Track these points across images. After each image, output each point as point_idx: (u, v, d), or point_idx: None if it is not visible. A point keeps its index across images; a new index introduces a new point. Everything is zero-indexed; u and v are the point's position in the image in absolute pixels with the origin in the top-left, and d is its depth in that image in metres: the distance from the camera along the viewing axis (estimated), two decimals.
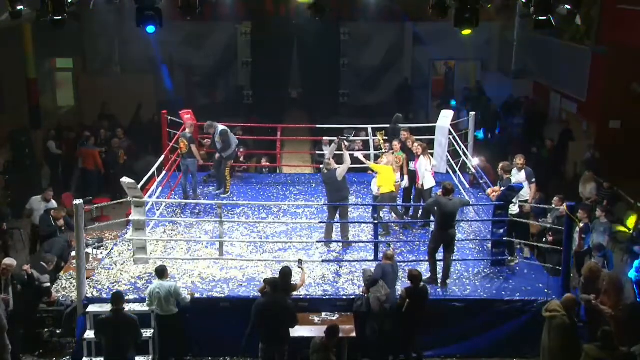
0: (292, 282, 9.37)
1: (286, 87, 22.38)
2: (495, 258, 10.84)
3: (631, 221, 13.54)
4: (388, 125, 13.72)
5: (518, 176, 11.51)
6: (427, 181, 12.02)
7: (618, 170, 14.77)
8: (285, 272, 9.24)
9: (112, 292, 9.22)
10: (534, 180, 11.65)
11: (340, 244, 11.54)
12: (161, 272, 9.42)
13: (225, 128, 13.46)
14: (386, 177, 11.73)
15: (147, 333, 9.56)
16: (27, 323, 10.21)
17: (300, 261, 9.92)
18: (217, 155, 13.53)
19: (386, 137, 13.07)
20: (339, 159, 12.02)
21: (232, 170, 14.14)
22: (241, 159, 15.39)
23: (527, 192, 11.42)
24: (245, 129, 15.98)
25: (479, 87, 22.13)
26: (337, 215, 11.42)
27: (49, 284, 10.49)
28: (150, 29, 10.75)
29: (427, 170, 12.04)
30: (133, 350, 8.94)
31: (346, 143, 11.90)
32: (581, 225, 11.24)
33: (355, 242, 11.63)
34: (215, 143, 13.49)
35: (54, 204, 12.58)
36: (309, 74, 21.99)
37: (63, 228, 11.92)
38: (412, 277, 9.36)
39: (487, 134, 20.15)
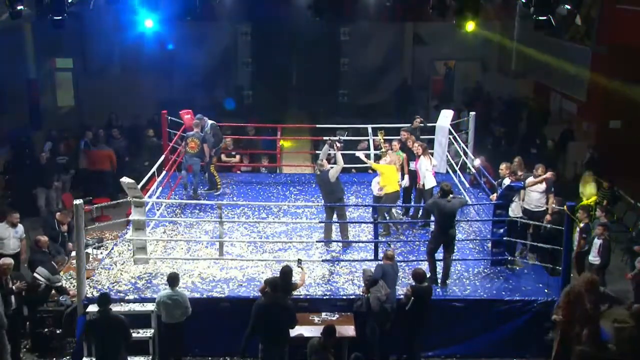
0: (292, 282, 9.37)
1: (286, 87, 22.38)
2: (495, 258, 10.83)
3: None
4: (388, 125, 13.75)
5: (538, 187, 11.39)
6: (428, 181, 12.01)
7: (618, 170, 14.78)
8: (286, 271, 9.24)
9: (99, 293, 9.11)
10: (553, 190, 11.56)
11: (340, 244, 11.54)
12: (174, 280, 9.29)
13: (214, 122, 13.50)
14: (389, 177, 11.70)
15: (147, 333, 9.56)
16: (29, 323, 10.24)
17: (299, 261, 9.93)
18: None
19: (388, 137, 13.06)
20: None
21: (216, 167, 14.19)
22: (234, 156, 15.45)
23: (543, 202, 11.29)
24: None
25: (478, 87, 22.14)
26: (335, 216, 11.41)
27: (61, 283, 10.48)
28: (148, 23, 10.77)
29: (427, 170, 12.03)
30: (124, 352, 8.82)
31: (338, 144, 11.85)
32: (581, 225, 11.26)
33: (355, 242, 11.63)
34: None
35: (21, 228, 11.44)
36: (309, 74, 21.99)
37: (66, 234, 11.88)
38: (417, 276, 9.37)
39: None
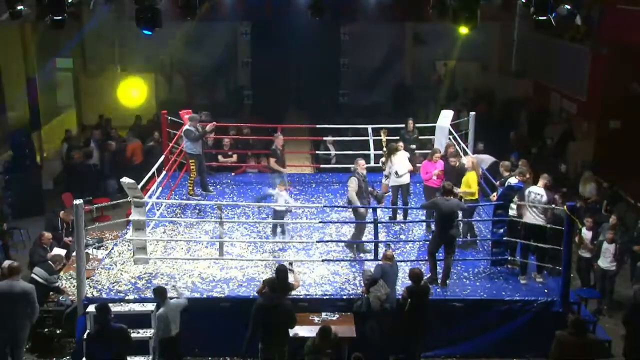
0: (288, 282, 9.40)
1: (286, 87, 22.37)
2: (496, 258, 10.84)
3: None
4: (388, 125, 13.78)
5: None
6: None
7: (618, 170, 14.76)
8: (281, 270, 9.32)
9: (97, 305, 8.87)
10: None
11: (341, 244, 11.54)
12: (162, 294, 9.15)
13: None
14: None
15: (147, 333, 9.56)
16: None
17: (290, 263, 10.01)
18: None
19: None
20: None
21: None
22: (231, 156, 15.46)
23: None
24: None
25: (478, 87, 22.14)
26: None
27: (57, 284, 10.51)
28: (147, 32, 10.74)
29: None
30: None
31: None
32: (590, 233, 11.26)
33: (355, 242, 11.62)
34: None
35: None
36: (309, 74, 21.99)
37: (70, 230, 11.88)
38: (412, 276, 9.37)
39: None
